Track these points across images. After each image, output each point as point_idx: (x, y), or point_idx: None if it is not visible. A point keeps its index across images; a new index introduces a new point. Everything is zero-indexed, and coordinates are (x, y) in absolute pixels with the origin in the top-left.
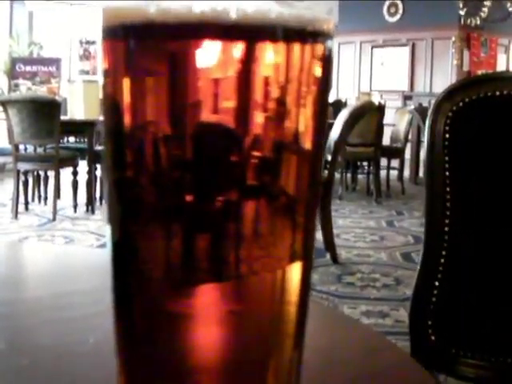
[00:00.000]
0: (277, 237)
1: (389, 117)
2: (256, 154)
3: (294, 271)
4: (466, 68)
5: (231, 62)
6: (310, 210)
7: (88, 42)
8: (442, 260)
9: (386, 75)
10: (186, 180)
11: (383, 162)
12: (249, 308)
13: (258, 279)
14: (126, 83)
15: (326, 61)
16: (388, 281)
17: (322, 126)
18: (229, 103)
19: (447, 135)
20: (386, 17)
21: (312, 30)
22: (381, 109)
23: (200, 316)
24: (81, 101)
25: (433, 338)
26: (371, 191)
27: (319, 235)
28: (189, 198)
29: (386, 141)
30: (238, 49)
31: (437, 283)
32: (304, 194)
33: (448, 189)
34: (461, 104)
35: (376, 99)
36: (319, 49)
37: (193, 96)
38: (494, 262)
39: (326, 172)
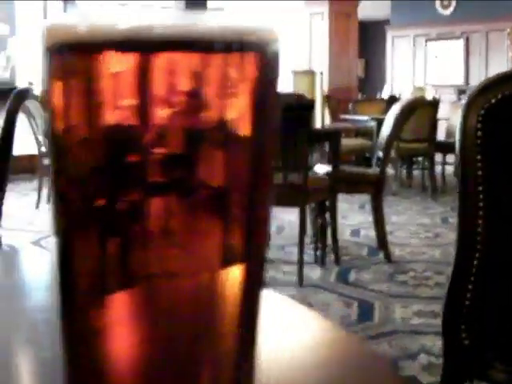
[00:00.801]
0: (198, 235)
1: (443, 111)
2: (163, 149)
3: (229, 272)
4: None
5: (143, 70)
6: (253, 202)
7: None
8: (476, 262)
9: (441, 69)
10: (95, 183)
11: (438, 157)
12: (167, 312)
13: (177, 282)
14: (54, 92)
15: (255, 67)
16: (441, 279)
17: (256, 117)
18: (132, 102)
19: (479, 133)
20: (439, 10)
21: (236, 41)
22: (435, 103)
23: (116, 325)
24: None
25: (466, 342)
26: (426, 187)
27: (372, 233)
28: (100, 201)
29: (441, 136)
30: (150, 59)
31: (470, 286)
32: (238, 186)
33: (480, 188)
34: (493, 100)
35: (430, 94)
36: (242, 58)
37: (99, 99)
38: None
39: (378, 169)
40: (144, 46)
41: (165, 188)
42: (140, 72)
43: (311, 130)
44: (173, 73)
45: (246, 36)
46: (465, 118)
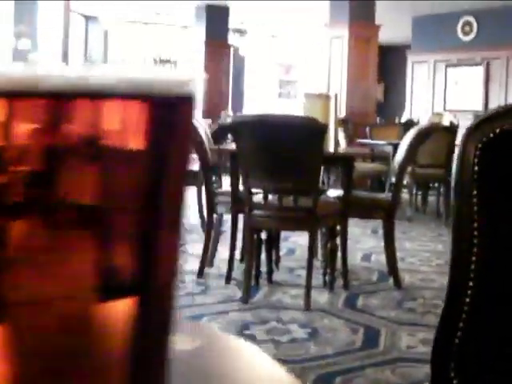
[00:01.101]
0: (64, 259)
1: None
2: (24, 168)
3: (110, 305)
4: None
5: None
6: (148, 225)
7: (162, 61)
8: (468, 299)
9: (460, 95)
10: None
11: None
12: (31, 346)
13: (43, 312)
14: None
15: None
16: None
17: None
18: None
19: (476, 167)
20: (460, 36)
21: (137, 93)
22: (452, 129)
23: None
24: None
25: (455, 382)
26: (441, 213)
27: (383, 258)
28: None
29: None
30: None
31: (461, 324)
32: (119, 206)
33: (475, 224)
34: (491, 135)
35: (448, 119)
36: (140, 108)
37: None
38: None
39: (390, 194)
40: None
41: (26, 209)
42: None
43: (322, 153)
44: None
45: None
46: (463, 151)
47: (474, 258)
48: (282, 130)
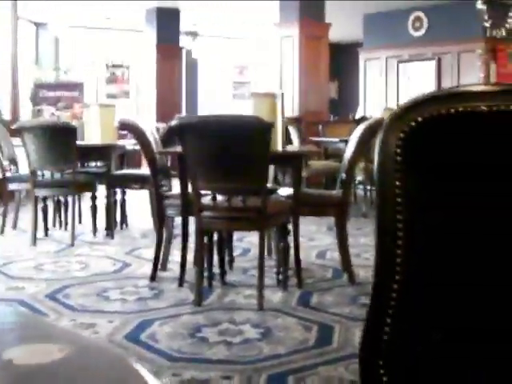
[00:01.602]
0: None
1: None
2: None
3: None
4: (493, 80)
5: None
6: None
7: (114, 66)
8: (394, 294)
9: (413, 90)
10: None
11: None
12: None
13: None
14: None
15: None
16: None
17: None
18: None
19: (398, 158)
20: (411, 31)
21: None
22: None
23: None
24: (97, 125)
25: (384, 379)
26: None
27: (336, 255)
28: None
29: None
30: None
31: (389, 320)
32: None
33: (399, 216)
34: (413, 124)
35: None
36: None
37: None
38: (448, 299)
39: (341, 191)
40: None
41: None
42: None
43: (269, 152)
44: None
45: None
46: (383, 142)
47: (399, 251)
48: (227, 131)
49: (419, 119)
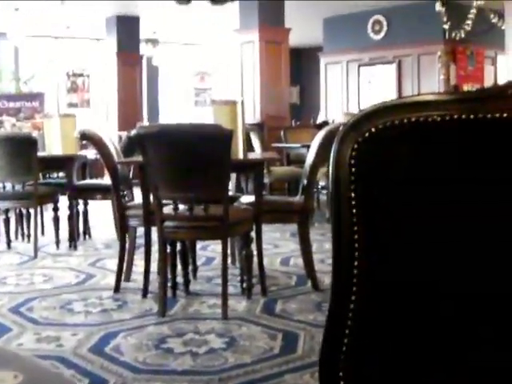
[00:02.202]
0: None
1: None
2: None
3: None
4: (453, 82)
5: None
6: None
7: (75, 75)
8: (352, 305)
9: (374, 93)
10: None
11: None
12: None
13: None
14: None
15: None
16: None
17: None
18: None
19: (353, 169)
20: (371, 35)
21: None
22: None
23: None
24: (58, 135)
25: None
26: None
27: (300, 261)
28: None
29: None
30: None
31: (347, 331)
32: None
33: (355, 228)
34: (367, 134)
35: None
36: None
37: None
38: (408, 311)
39: (303, 197)
40: None
41: None
42: None
43: (229, 160)
44: None
45: None
46: (338, 153)
47: (356, 263)
48: (188, 140)
49: (373, 129)
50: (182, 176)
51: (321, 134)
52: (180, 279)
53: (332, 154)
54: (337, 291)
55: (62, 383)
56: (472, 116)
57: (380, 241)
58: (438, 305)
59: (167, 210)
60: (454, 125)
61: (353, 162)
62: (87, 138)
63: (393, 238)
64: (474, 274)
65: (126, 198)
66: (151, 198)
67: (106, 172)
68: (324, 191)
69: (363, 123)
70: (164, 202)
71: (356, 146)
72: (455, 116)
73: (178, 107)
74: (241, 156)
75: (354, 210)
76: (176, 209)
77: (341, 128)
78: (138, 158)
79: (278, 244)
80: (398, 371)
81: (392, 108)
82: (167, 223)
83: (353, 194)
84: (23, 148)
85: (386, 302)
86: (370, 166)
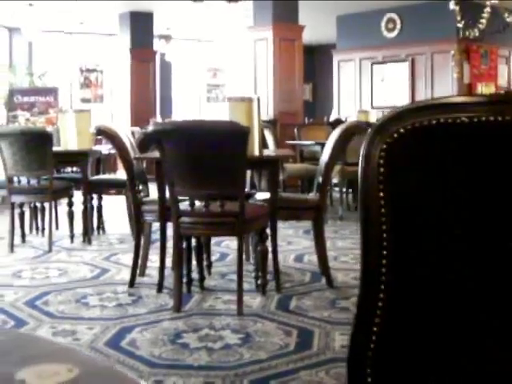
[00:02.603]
0: None
1: None
2: None
3: None
4: (466, 81)
5: None
6: None
7: (88, 70)
8: (380, 303)
9: (387, 91)
10: None
11: None
12: None
13: None
14: None
15: None
16: None
17: None
18: None
19: (382, 169)
20: (385, 33)
21: None
22: None
23: None
24: (73, 130)
25: None
26: None
27: (314, 258)
28: None
29: None
30: None
31: (375, 328)
32: None
33: (384, 227)
34: (395, 135)
35: (374, 116)
36: None
37: None
38: (437, 306)
39: (318, 195)
40: None
41: None
42: None
43: (246, 157)
44: None
45: None
46: (366, 154)
47: (384, 262)
48: (205, 136)
49: (401, 130)
50: (199, 172)
51: (336, 132)
52: (195, 275)
53: (361, 154)
54: (365, 289)
55: (117, 377)
56: (500, 118)
57: (408, 239)
58: (465, 301)
59: (183, 205)
60: (482, 126)
61: (382, 162)
62: (104, 134)
63: (421, 236)
64: (504, 274)
65: (142, 194)
66: (167, 193)
67: (118, 167)
68: (337, 189)
69: (392, 124)
70: (180, 197)
71: (385, 147)
72: (483, 118)
73: (190, 103)
74: (256, 153)
75: (383, 210)
76: (192, 205)
77: (369, 130)
78: (154, 154)
79: (291, 241)
80: (426, 367)
81: (421, 109)
82: (183, 219)
83: (381, 194)
84: (38, 143)
85: (414, 298)
86: (399, 166)
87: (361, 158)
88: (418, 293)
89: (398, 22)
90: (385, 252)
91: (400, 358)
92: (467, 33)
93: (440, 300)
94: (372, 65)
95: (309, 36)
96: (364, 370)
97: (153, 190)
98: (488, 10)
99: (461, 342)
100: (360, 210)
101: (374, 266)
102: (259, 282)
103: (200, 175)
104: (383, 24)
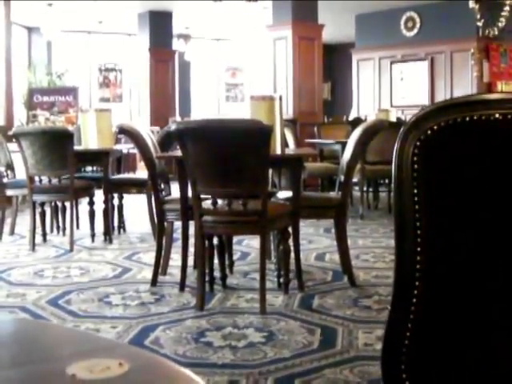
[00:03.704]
0: None
1: None
2: None
3: None
4: (486, 79)
5: None
6: None
7: (107, 70)
8: (414, 300)
9: (407, 90)
10: None
11: None
12: None
13: None
14: None
15: None
16: None
17: None
18: None
19: (415, 166)
20: (404, 31)
21: None
22: (399, 125)
23: None
24: (94, 130)
25: (407, 383)
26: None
27: (335, 257)
28: None
29: None
30: None
31: (409, 325)
32: None
33: (418, 224)
34: (429, 132)
35: (394, 115)
36: None
37: None
38: (471, 302)
39: (340, 193)
40: None
41: None
42: None
43: (269, 156)
44: None
45: None
46: (400, 151)
47: (418, 258)
48: (227, 135)
49: (435, 127)
50: (221, 171)
51: (358, 131)
52: (217, 273)
53: (394, 152)
54: (399, 288)
55: (167, 370)
56: None
57: (443, 235)
58: (500, 309)
59: (205, 204)
60: None
61: (415, 158)
62: (126, 133)
63: (455, 232)
64: None
65: (164, 193)
66: (189, 192)
67: (138, 166)
68: (357, 187)
69: (425, 121)
70: (202, 196)
71: (418, 144)
72: None
73: (209, 102)
74: (278, 151)
75: (417, 206)
76: (215, 203)
77: (402, 127)
78: (176, 153)
79: (312, 239)
80: (459, 365)
81: (454, 106)
82: (206, 218)
83: (415, 191)
84: (59, 142)
85: (448, 297)
86: (432, 163)
87: (394, 155)
88: (452, 289)
89: (418, 20)
90: (419, 249)
91: (434, 356)
92: (487, 31)
93: (473, 305)
94: (391, 64)
95: (328, 35)
96: (399, 368)
97: (174, 189)
98: (507, 8)
99: (493, 346)
100: (394, 207)
101: (408, 264)
102: (281, 280)
103: (223, 174)
104: (402, 23)
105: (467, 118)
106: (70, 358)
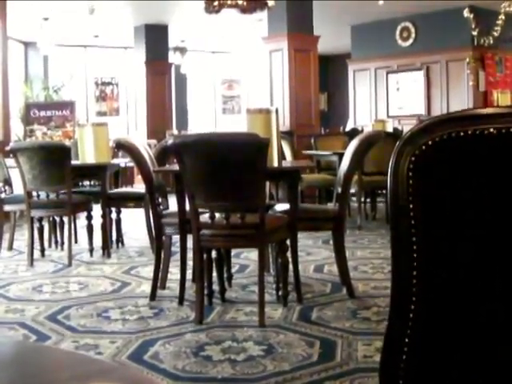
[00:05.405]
0: None
1: None
2: None
3: None
4: (482, 88)
5: None
6: None
7: (104, 83)
8: (411, 315)
9: (403, 100)
10: None
11: None
12: None
13: None
14: None
15: None
16: None
17: None
18: None
19: (411, 181)
20: (399, 42)
21: None
22: (396, 135)
23: None
24: (91, 144)
25: None
26: None
27: (334, 269)
28: None
29: None
30: None
31: (407, 339)
32: None
33: (414, 239)
34: (424, 147)
35: (391, 125)
36: None
37: None
38: (469, 314)
39: (337, 205)
40: None
41: None
42: None
43: (266, 169)
44: None
45: None
46: (395, 165)
47: (414, 273)
48: (223, 149)
49: (430, 143)
50: (219, 184)
51: (355, 142)
52: (215, 287)
53: (389, 167)
54: (396, 300)
55: None
56: None
57: (438, 249)
58: (500, 317)
59: (203, 218)
60: (511, 138)
61: (410, 174)
62: (123, 147)
63: (451, 246)
64: None
65: (161, 207)
66: (186, 206)
67: (136, 180)
68: (354, 198)
69: (420, 136)
70: (200, 210)
71: (413, 159)
72: (511, 129)
73: (206, 115)
74: (275, 164)
75: (413, 221)
76: (212, 217)
77: (397, 142)
78: (173, 167)
79: (310, 251)
80: (459, 378)
81: (449, 121)
82: (204, 231)
83: (411, 206)
84: (57, 157)
85: (445, 308)
86: (427, 178)
87: (389, 170)
88: (449, 300)
89: (413, 30)
90: (415, 263)
91: (432, 367)
92: (482, 40)
93: (471, 316)
94: (387, 74)
95: (323, 46)
96: (397, 381)
97: (172, 202)
98: (502, 17)
99: (494, 356)
100: (390, 223)
101: (404, 276)
102: (280, 293)
103: (220, 187)
104: (398, 33)
105: (462, 133)
106: (69, 382)
